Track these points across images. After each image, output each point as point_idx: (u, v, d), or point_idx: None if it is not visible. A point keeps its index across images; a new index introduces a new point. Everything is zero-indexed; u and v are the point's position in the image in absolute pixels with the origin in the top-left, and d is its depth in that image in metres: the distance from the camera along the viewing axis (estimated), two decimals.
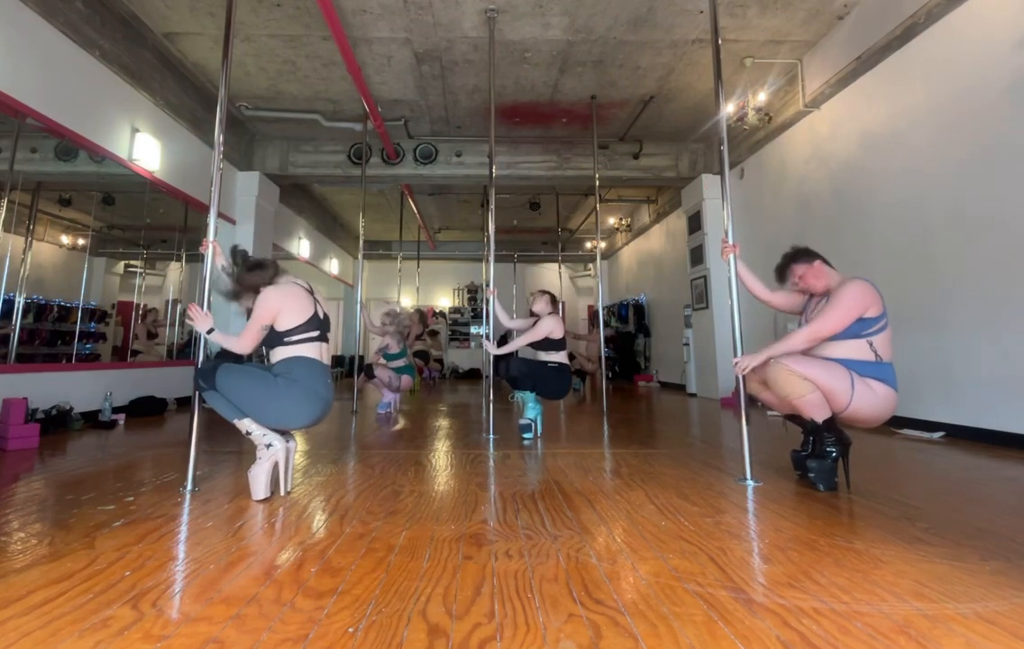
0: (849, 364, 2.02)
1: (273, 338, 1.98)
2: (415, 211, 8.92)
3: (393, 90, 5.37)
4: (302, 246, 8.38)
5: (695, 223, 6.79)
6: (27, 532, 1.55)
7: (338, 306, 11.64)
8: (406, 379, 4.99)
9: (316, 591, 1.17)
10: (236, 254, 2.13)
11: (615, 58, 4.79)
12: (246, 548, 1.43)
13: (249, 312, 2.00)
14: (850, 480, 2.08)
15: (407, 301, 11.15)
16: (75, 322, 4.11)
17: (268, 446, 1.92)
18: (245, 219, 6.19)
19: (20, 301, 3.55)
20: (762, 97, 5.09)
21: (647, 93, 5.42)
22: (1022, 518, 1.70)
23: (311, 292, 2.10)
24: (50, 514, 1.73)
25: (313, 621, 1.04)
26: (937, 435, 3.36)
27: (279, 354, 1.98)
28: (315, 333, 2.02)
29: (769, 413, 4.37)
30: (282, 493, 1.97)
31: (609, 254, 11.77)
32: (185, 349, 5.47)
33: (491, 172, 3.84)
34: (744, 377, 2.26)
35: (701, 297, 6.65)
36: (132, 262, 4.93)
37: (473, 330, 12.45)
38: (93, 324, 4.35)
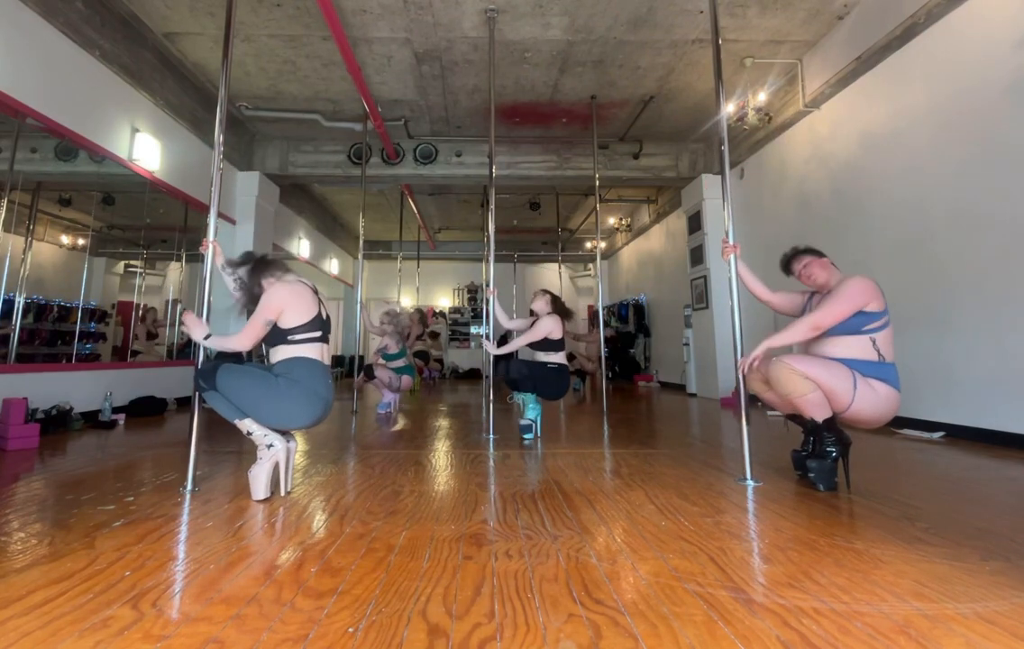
0: (852, 364, 2.02)
1: (276, 336, 1.98)
2: (415, 211, 8.92)
3: (393, 90, 5.37)
4: (302, 246, 8.38)
5: (695, 223, 6.79)
6: (27, 532, 1.55)
7: (338, 306, 11.65)
8: (406, 379, 4.99)
9: (316, 591, 1.17)
10: (248, 259, 2.09)
11: (615, 58, 4.79)
12: (246, 548, 1.43)
13: (249, 312, 2.00)
14: (850, 480, 2.08)
15: (407, 301, 11.15)
16: (75, 322, 4.11)
17: (269, 446, 1.92)
18: (245, 219, 6.19)
19: (20, 301, 3.55)
20: (762, 97, 5.09)
21: (647, 93, 5.41)
22: (1022, 518, 1.70)
23: (316, 292, 2.10)
24: (50, 514, 1.73)
25: (313, 621, 1.04)
26: (937, 435, 3.35)
27: (280, 353, 1.98)
28: (317, 333, 2.02)
29: (769, 413, 4.37)
30: (282, 493, 1.97)
31: (609, 254, 11.77)
32: (185, 349, 5.47)
33: (491, 172, 3.84)
34: (747, 376, 2.27)
35: (701, 297, 6.65)
36: (132, 262, 4.93)
37: (473, 330, 12.44)
38: (93, 324, 4.35)
